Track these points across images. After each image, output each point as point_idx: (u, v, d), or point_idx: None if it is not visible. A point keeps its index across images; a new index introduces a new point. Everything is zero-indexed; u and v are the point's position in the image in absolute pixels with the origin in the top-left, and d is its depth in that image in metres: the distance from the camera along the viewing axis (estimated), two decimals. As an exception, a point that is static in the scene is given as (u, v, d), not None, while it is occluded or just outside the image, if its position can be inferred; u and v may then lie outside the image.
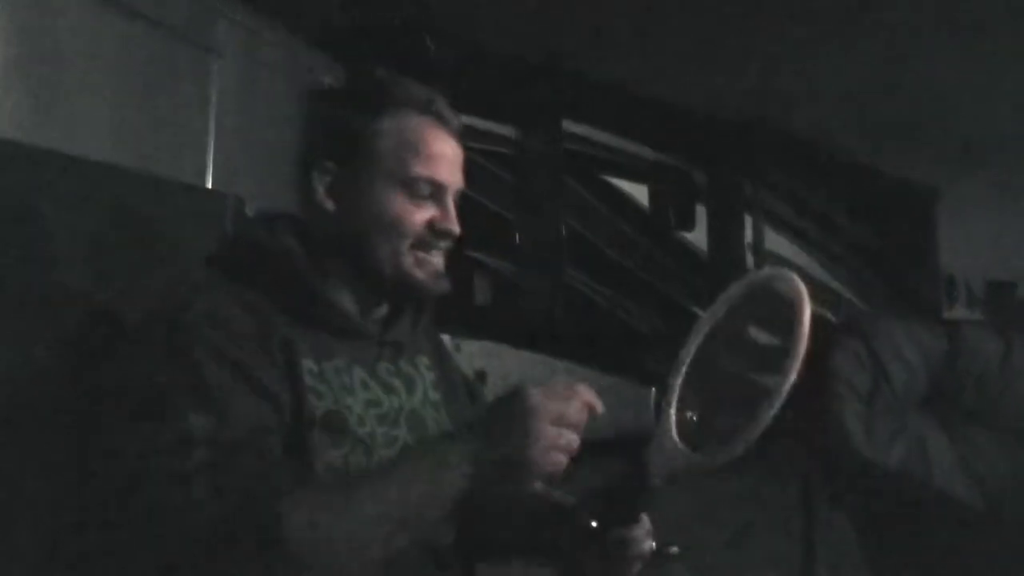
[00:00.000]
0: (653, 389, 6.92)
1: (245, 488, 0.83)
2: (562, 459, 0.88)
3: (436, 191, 1.04)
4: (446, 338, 1.27)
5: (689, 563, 3.67)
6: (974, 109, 6.96)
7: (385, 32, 5.00)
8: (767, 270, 0.99)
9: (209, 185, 2.99)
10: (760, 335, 0.97)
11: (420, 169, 1.02)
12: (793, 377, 0.88)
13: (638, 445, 0.93)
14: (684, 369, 0.96)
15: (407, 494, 0.85)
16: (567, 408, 0.88)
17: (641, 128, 6.84)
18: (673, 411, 0.93)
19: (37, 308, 1.03)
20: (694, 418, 0.94)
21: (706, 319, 0.99)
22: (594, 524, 0.95)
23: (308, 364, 0.96)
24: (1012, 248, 9.12)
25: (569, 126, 6.42)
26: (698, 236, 7.25)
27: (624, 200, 6.93)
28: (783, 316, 0.92)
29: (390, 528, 0.85)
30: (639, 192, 7.04)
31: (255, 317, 0.94)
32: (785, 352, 0.90)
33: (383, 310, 1.09)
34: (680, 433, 0.92)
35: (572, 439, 0.88)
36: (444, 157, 1.05)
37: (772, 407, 0.87)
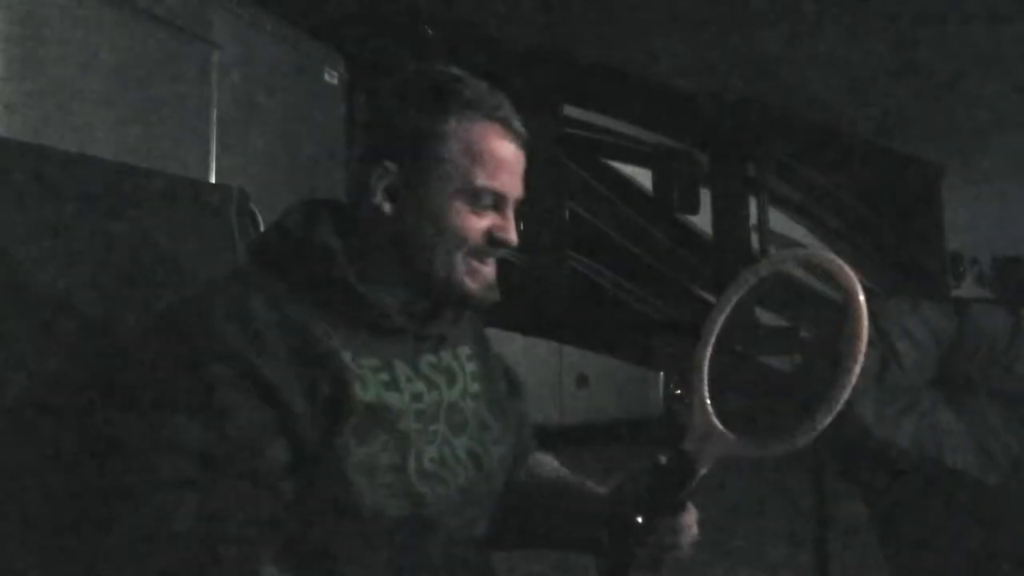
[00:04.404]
0: (661, 373, 6.92)
1: (227, 527, 0.84)
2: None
3: (498, 201, 1.01)
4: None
5: (700, 542, 3.66)
6: (980, 86, 6.91)
7: (384, 20, 4.98)
8: (799, 252, 0.98)
9: (213, 179, 2.99)
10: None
11: (485, 179, 0.99)
12: (858, 371, 0.87)
13: (665, 431, 0.92)
14: (708, 352, 0.95)
15: None
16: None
17: (643, 111, 6.82)
18: (707, 396, 0.91)
19: (43, 307, 1.03)
20: (730, 406, 0.94)
21: (725, 301, 0.98)
22: (639, 520, 0.93)
23: (347, 357, 0.94)
24: (1019, 225, 9.09)
25: (570, 111, 6.40)
26: (703, 219, 7.24)
27: (627, 184, 6.92)
28: (824, 299, 0.91)
29: None
30: (643, 176, 7.02)
31: (285, 312, 0.93)
32: (842, 345, 0.88)
33: (424, 305, 1.06)
34: (720, 419, 0.91)
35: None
36: (509, 166, 1.01)
37: (838, 402, 0.86)
